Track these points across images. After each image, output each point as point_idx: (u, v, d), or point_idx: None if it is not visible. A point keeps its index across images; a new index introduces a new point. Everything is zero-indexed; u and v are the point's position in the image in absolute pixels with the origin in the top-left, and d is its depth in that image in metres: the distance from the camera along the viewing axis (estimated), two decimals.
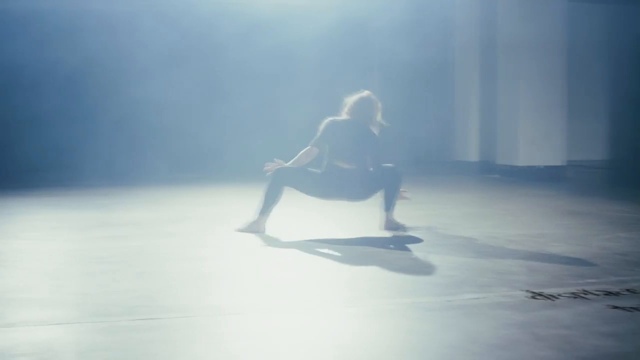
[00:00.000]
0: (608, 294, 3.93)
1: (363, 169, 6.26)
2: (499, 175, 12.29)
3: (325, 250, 5.35)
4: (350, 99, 6.47)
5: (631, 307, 3.63)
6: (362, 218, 6.88)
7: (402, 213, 6.97)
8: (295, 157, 6.30)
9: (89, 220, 7.03)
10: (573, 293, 3.94)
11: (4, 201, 8.55)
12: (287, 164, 6.27)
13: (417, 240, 5.79)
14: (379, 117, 6.49)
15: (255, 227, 6.17)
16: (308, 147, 6.31)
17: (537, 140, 11.83)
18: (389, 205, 6.35)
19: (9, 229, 6.47)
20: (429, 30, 14.77)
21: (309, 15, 14.40)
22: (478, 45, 13.30)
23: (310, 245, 5.55)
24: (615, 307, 3.63)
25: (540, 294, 3.90)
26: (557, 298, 3.83)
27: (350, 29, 15.47)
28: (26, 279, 4.42)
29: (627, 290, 4.02)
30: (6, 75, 14.27)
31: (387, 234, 6.14)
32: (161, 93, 14.76)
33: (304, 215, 7.07)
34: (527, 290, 3.99)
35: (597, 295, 3.90)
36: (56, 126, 14.25)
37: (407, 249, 5.38)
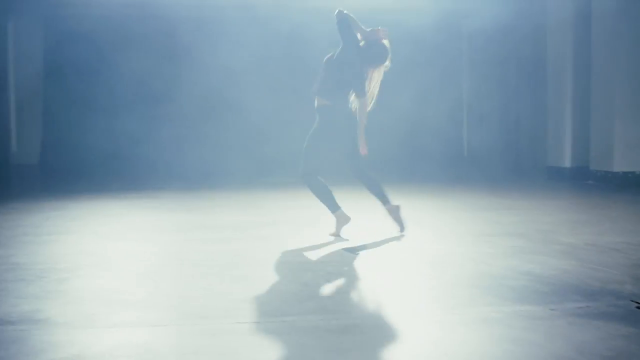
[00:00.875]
0: None
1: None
2: (593, 181, 12.00)
3: (422, 255, 5.27)
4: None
5: None
6: (461, 223, 6.78)
7: (498, 219, 6.84)
8: None
9: (185, 222, 7.10)
10: None
11: (103, 203, 8.72)
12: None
13: (514, 246, 5.65)
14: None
15: (341, 223, 6.19)
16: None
17: (634, 145, 11.49)
18: (381, 199, 6.33)
19: (109, 231, 6.58)
20: (521, 29, 14.54)
21: (399, 13, 14.28)
22: (571, 43, 12.95)
23: (406, 250, 5.49)
24: None
25: None
26: None
27: (440, 27, 15.32)
28: (126, 280, 4.47)
29: None
30: (87, 77, 14.60)
31: (484, 239, 6.01)
32: (252, 95, 14.88)
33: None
34: (633, 301, 3.85)
35: None
36: (150, 131, 14.51)
37: (506, 255, 5.26)
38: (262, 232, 6.44)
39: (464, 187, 10.96)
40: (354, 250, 5.49)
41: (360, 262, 5.05)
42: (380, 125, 13.39)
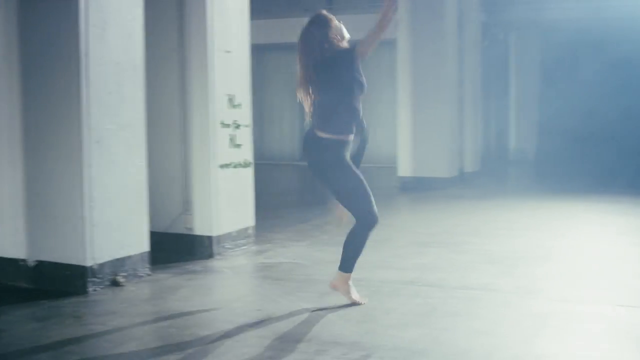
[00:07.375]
0: None
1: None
2: None
3: None
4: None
5: None
6: None
7: None
8: None
9: (626, 226, 8.33)
10: None
11: (569, 204, 10.16)
12: None
13: None
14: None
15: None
16: None
17: None
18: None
19: (563, 230, 8.24)
20: None
21: None
22: None
23: None
24: None
25: None
26: None
27: None
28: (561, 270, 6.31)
29: None
30: (573, 85, 15.86)
31: None
32: None
33: None
34: None
35: None
36: None
37: None
38: None
39: None
40: None
41: None
42: None
